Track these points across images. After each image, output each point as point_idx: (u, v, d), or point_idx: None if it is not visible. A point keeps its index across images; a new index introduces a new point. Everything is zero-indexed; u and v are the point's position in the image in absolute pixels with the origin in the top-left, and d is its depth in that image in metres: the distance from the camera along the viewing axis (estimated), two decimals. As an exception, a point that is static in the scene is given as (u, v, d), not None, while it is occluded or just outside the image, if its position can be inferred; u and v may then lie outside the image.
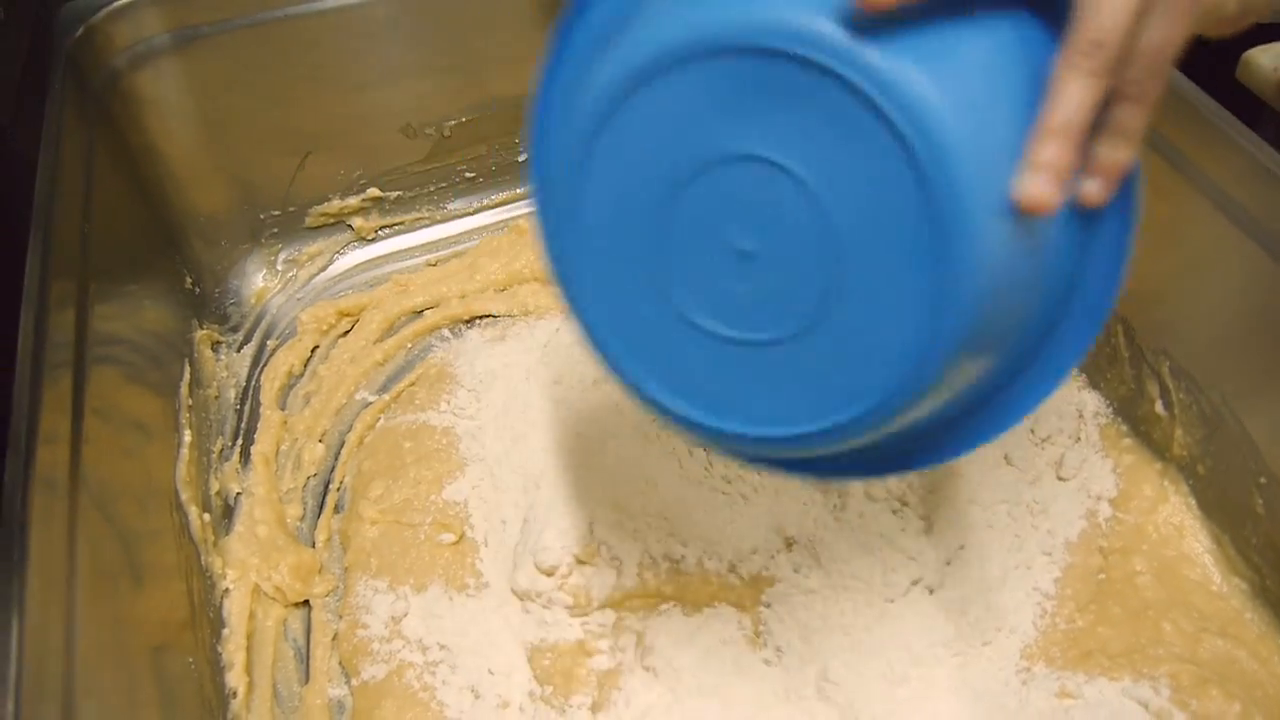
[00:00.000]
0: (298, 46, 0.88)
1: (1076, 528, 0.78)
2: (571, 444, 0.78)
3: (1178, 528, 0.77)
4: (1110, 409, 0.83)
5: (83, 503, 0.59)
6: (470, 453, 0.81)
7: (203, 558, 0.74)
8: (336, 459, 0.86)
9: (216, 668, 0.71)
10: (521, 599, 0.74)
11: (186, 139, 0.89)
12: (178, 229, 0.92)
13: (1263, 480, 0.71)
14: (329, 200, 0.98)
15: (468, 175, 1.02)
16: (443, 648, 0.72)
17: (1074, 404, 0.84)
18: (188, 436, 0.78)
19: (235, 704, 0.70)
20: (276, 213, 0.97)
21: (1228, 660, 0.69)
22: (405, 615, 0.73)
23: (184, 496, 0.75)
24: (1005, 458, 0.80)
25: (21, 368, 0.60)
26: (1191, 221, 0.75)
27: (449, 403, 0.85)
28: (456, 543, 0.77)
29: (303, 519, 0.82)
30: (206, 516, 0.76)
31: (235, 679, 0.71)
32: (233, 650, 0.72)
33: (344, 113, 0.93)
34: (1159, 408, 0.79)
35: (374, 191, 0.99)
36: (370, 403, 0.89)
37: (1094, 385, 0.85)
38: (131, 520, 0.68)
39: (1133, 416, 0.82)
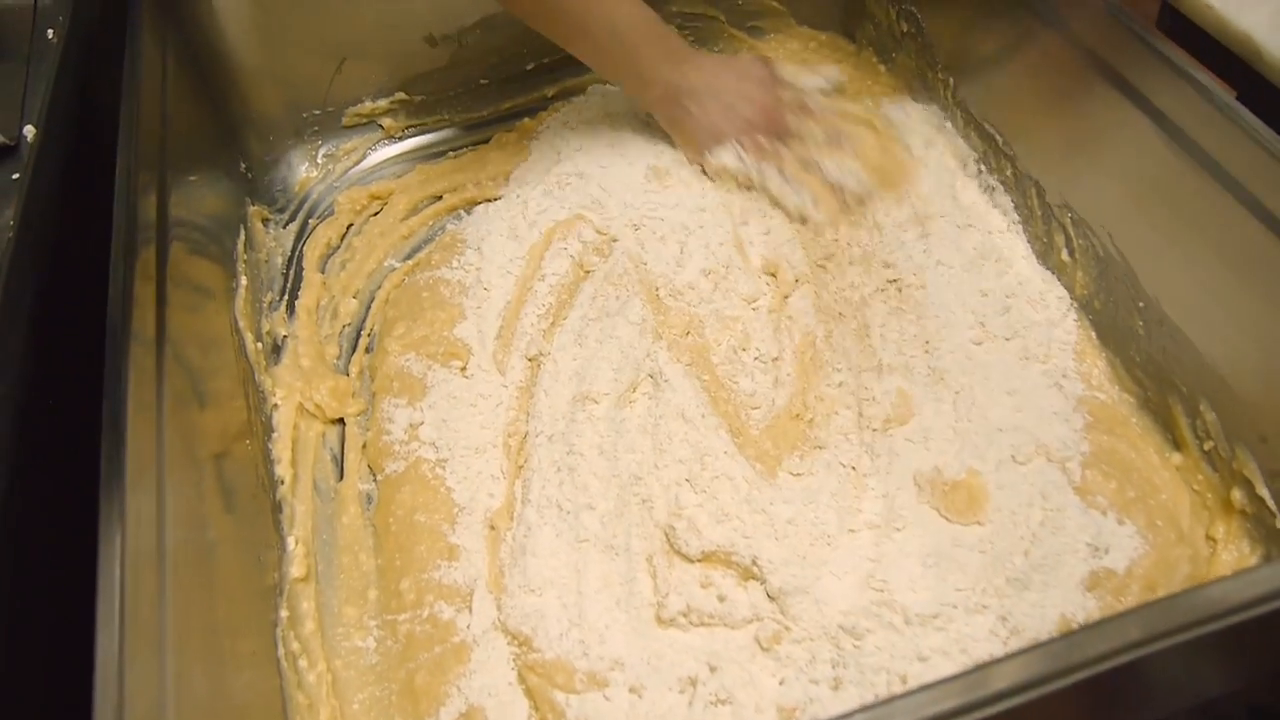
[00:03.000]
0: (337, -38, 1.04)
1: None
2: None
3: (1079, 354, 0.90)
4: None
5: (166, 349, 0.73)
6: (474, 299, 0.96)
7: (256, 376, 0.89)
8: (367, 312, 1.01)
9: (267, 460, 0.86)
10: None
11: (243, 45, 1.05)
12: (236, 125, 1.08)
13: (1141, 304, 0.84)
14: (362, 102, 1.13)
15: (482, 82, 1.17)
16: (450, 446, 0.86)
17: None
18: (244, 281, 0.94)
19: (283, 489, 0.85)
20: (317, 112, 1.12)
21: (1110, 451, 0.82)
22: (421, 424, 0.88)
23: (241, 324, 0.90)
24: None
25: (116, 245, 0.73)
26: (1086, 93, 0.88)
27: (459, 260, 0.99)
28: (463, 369, 0.91)
29: (339, 358, 0.98)
30: (259, 345, 0.91)
31: (283, 470, 0.86)
32: (281, 448, 0.87)
33: (375, 22, 1.08)
34: (1065, 255, 0.92)
35: (401, 95, 1.14)
36: (396, 268, 1.04)
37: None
38: (197, 360, 0.82)
39: (1049, 266, 0.94)
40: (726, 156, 0.99)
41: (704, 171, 1.02)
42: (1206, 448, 0.79)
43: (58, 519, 0.69)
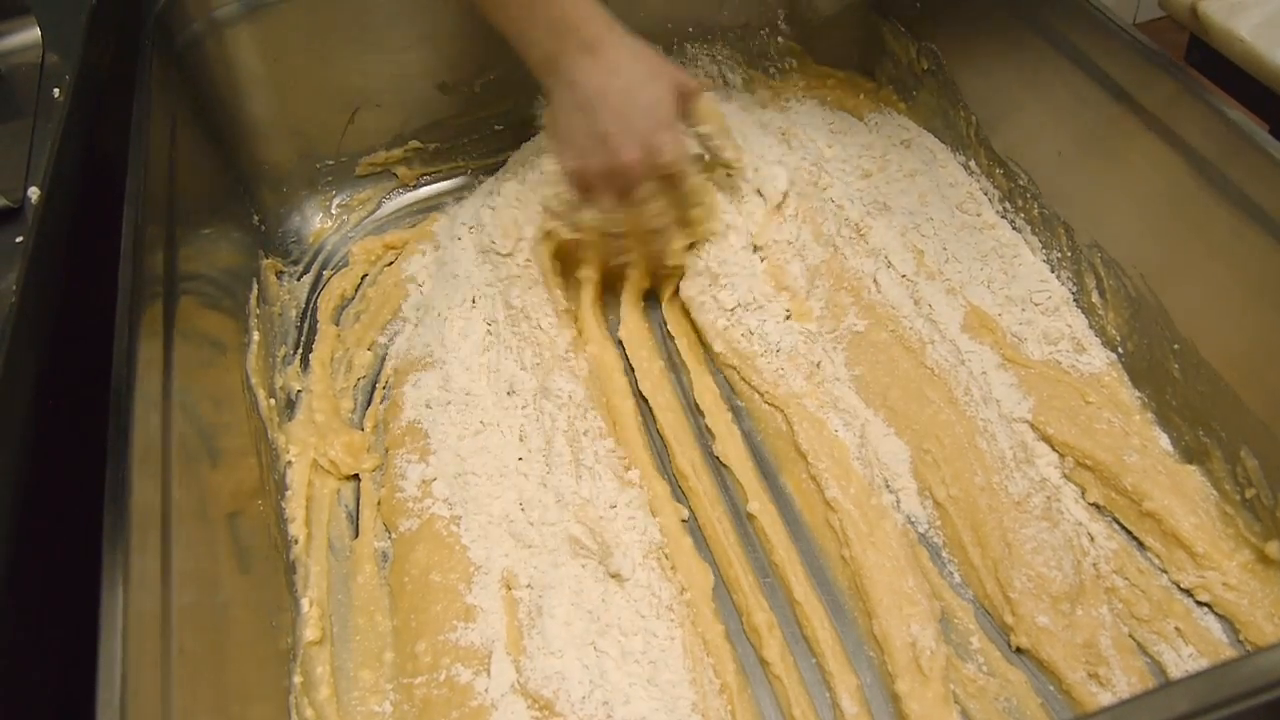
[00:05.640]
0: (348, 12, 1.03)
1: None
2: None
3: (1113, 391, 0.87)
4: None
5: (173, 407, 0.72)
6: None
7: (269, 433, 0.88)
8: (382, 364, 0.99)
9: (281, 518, 0.84)
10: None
11: (254, 97, 1.04)
12: (247, 177, 1.07)
13: (1176, 347, 0.81)
14: (376, 151, 1.13)
15: (497, 128, 1.16)
16: (464, 503, 0.84)
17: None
18: (256, 336, 0.92)
19: (297, 548, 0.83)
20: (331, 162, 1.12)
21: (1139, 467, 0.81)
22: (434, 479, 0.86)
23: (253, 381, 0.89)
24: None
25: (121, 301, 0.72)
26: (1113, 130, 0.86)
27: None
28: (476, 420, 0.89)
29: (353, 411, 0.96)
30: (272, 401, 0.90)
31: (297, 529, 0.84)
32: (294, 507, 0.85)
33: (387, 72, 1.07)
34: (1095, 297, 0.89)
35: (415, 143, 1.14)
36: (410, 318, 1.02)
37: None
38: (209, 417, 0.81)
39: (1081, 308, 0.92)
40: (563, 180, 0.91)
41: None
42: (1248, 495, 0.76)
43: (63, 585, 0.68)
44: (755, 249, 0.97)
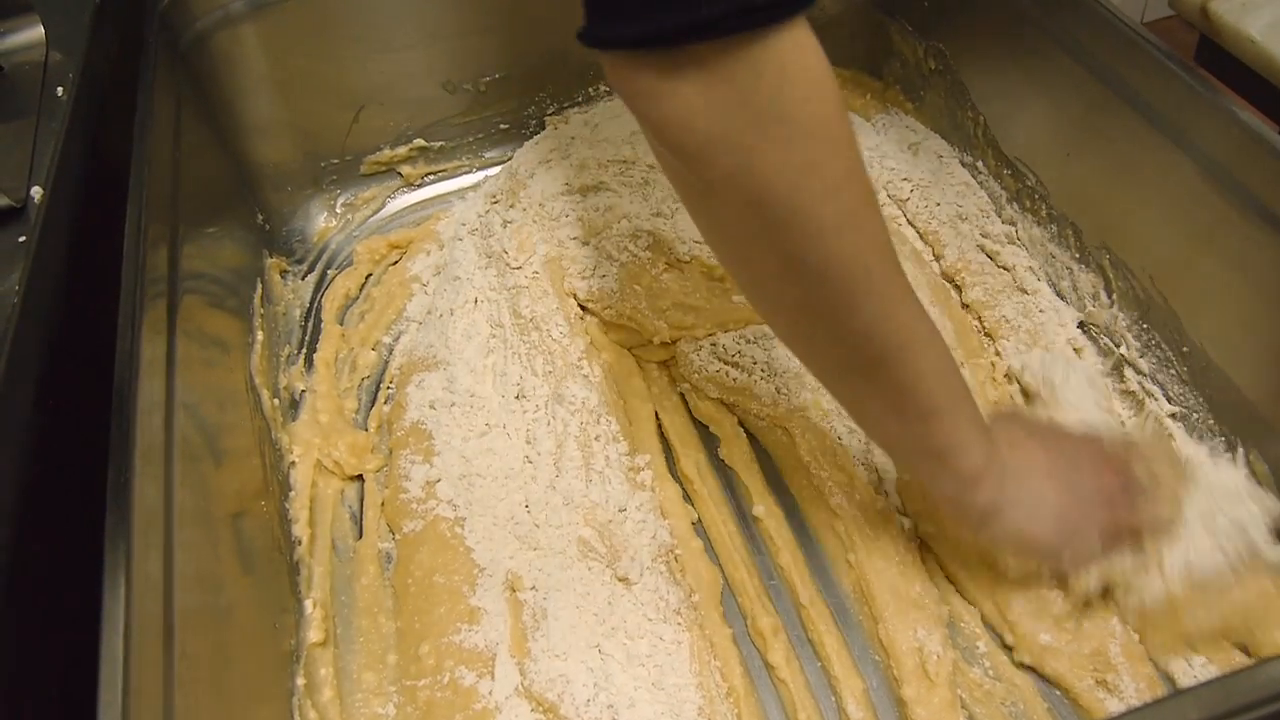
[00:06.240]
0: (352, 11, 1.02)
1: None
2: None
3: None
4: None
5: (176, 407, 0.71)
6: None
7: (273, 433, 0.88)
8: (386, 364, 0.99)
9: (284, 519, 0.84)
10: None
11: (258, 95, 1.04)
12: (251, 176, 1.07)
13: (1185, 349, 0.81)
14: (380, 150, 1.13)
15: (502, 127, 1.16)
16: (468, 504, 0.84)
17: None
18: (260, 336, 0.92)
19: (300, 549, 0.83)
20: (335, 161, 1.12)
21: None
22: (439, 481, 0.86)
23: (257, 381, 0.88)
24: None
25: (124, 300, 0.71)
26: (1121, 131, 0.85)
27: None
28: (481, 422, 0.89)
29: (357, 411, 0.96)
30: (276, 401, 0.90)
31: (300, 530, 0.83)
32: (298, 508, 0.85)
33: (392, 71, 1.07)
34: (1104, 298, 0.89)
35: (419, 142, 1.13)
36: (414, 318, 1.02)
37: (1061, 297, 0.95)
38: (212, 417, 0.81)
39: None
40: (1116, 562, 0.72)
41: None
42: (1258, 499, 0.75)
43: (65, 586, 0.67)
44: None
